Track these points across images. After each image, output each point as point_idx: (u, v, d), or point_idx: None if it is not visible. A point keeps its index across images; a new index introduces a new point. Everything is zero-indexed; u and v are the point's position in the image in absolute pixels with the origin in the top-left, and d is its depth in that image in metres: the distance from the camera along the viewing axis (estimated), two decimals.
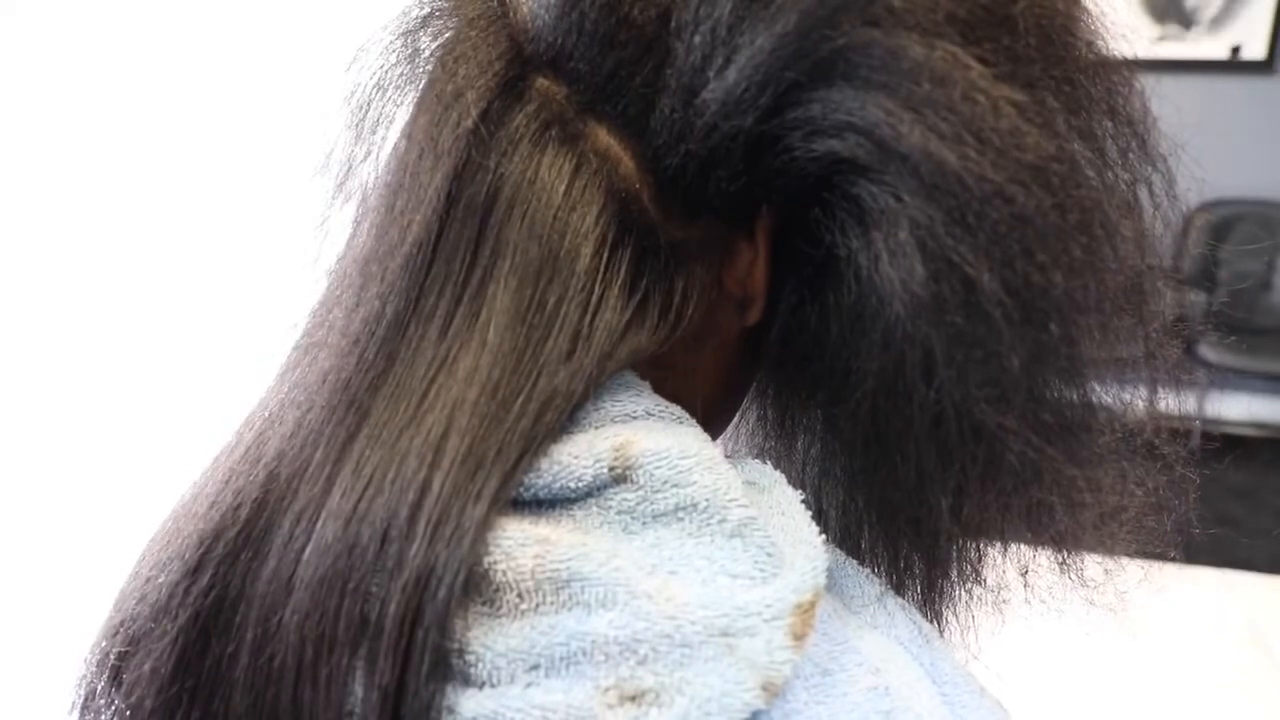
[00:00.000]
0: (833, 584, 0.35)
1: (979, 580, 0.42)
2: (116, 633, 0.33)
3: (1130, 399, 0.39)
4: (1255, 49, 2.99)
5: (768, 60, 0.31)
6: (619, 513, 0.30)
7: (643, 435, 0.31)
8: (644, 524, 0.30)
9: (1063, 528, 0.38)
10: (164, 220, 2.43)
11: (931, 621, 0.41)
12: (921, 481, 0.34)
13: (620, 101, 0.33)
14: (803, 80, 0.31)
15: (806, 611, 0.28)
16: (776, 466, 0.35)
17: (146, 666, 0.31)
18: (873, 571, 0.38)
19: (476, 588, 0.29)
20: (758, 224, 0.36)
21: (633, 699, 0.26)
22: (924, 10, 0.30)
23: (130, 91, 2.43)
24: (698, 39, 0.31)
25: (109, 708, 0.33)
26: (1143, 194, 0.37)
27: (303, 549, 0.29)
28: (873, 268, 0.31)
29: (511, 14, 0.35)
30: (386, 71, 0.37)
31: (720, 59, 0.31)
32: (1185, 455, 0.41)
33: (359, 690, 0.28)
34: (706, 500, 0.30)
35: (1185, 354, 0.41)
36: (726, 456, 0.33)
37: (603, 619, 0.27)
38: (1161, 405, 0.40)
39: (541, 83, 0.34)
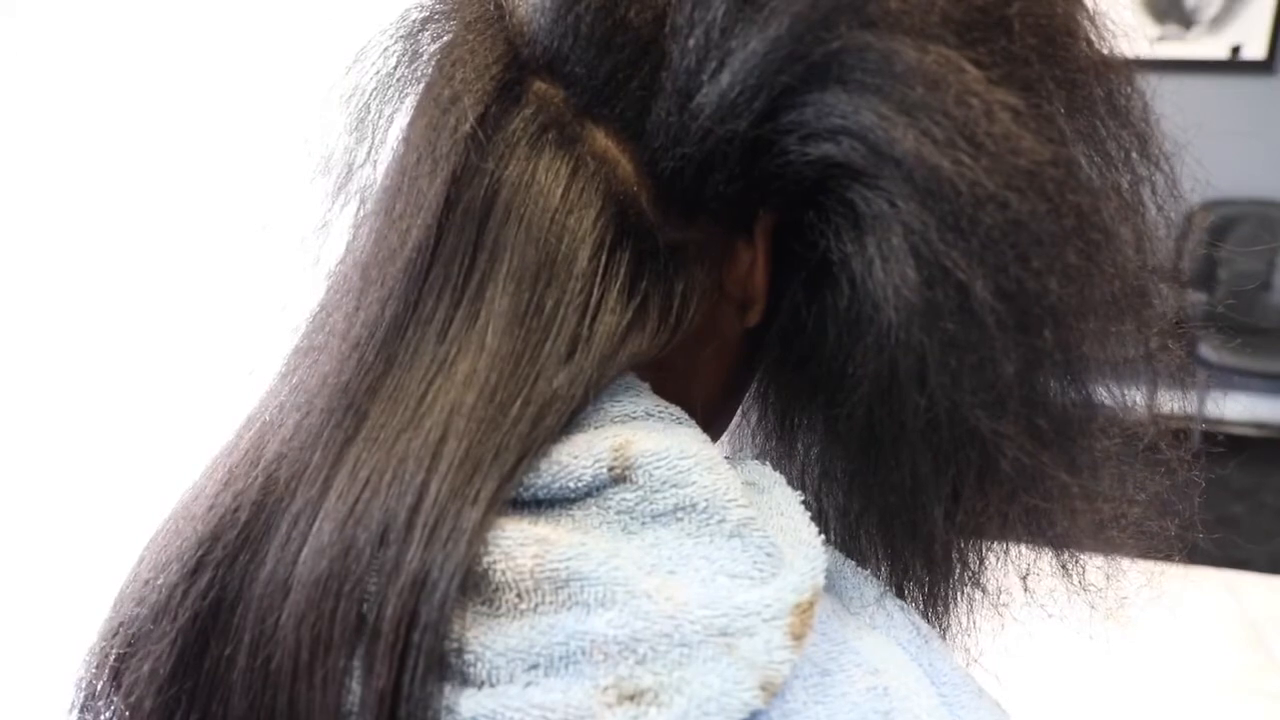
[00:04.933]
0: (832, 585, 0.35)
1: (978, 584, 0.42)
2: (116, 634, 0.33)
3: (1131, 402, 0.39)
4: (1255, 49, 2.99)
5: (761, 64, 0.31)
6: (618, 513, 0.30)
7: (642, 436, 0.31)
8: (643, 524, 0.30)
9: (1061, 531, 0.38)
10: (164, 222, 2.43)
11: (931, 624, 0.41)
12: (917, 486, 0.34)
13: (617, 104, 0.33)
14: (797, 84, 0.31)
15: (805, 612, 0.28)
16: (776, 468, 0.35)
17: (145, 668, 0.31)
18: (872, 574, 0.38)
19: (475, 587, 0.29)
20: (757, 226, 0.36)
21: (631, 698, 0.26)
22: (919, 13, 0.30)
23: (130, 92, 2.43)
24: (692, 42, 0.31)
25: (108, 708, 0.33)
26: (1144, 194, 0.37)
27: (299, 551, 0.29)
28: (866, 272, 0.31)
29: (508, 17, 0.35)
30: (386, 74, 0.38)
31: (714, 62, 0.31)
32: (1187, 458, 0.41)
33: (356, 691, 0.28)
34: (706, 500, 0.30)
35: (1186, 356, 0.41)
36: (726, 457, 0.33)
37: (602, 618, 0.27)
38: (1163, 408, 0.40)
39: (539, 86, 0.34)
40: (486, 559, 0.29)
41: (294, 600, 0.29)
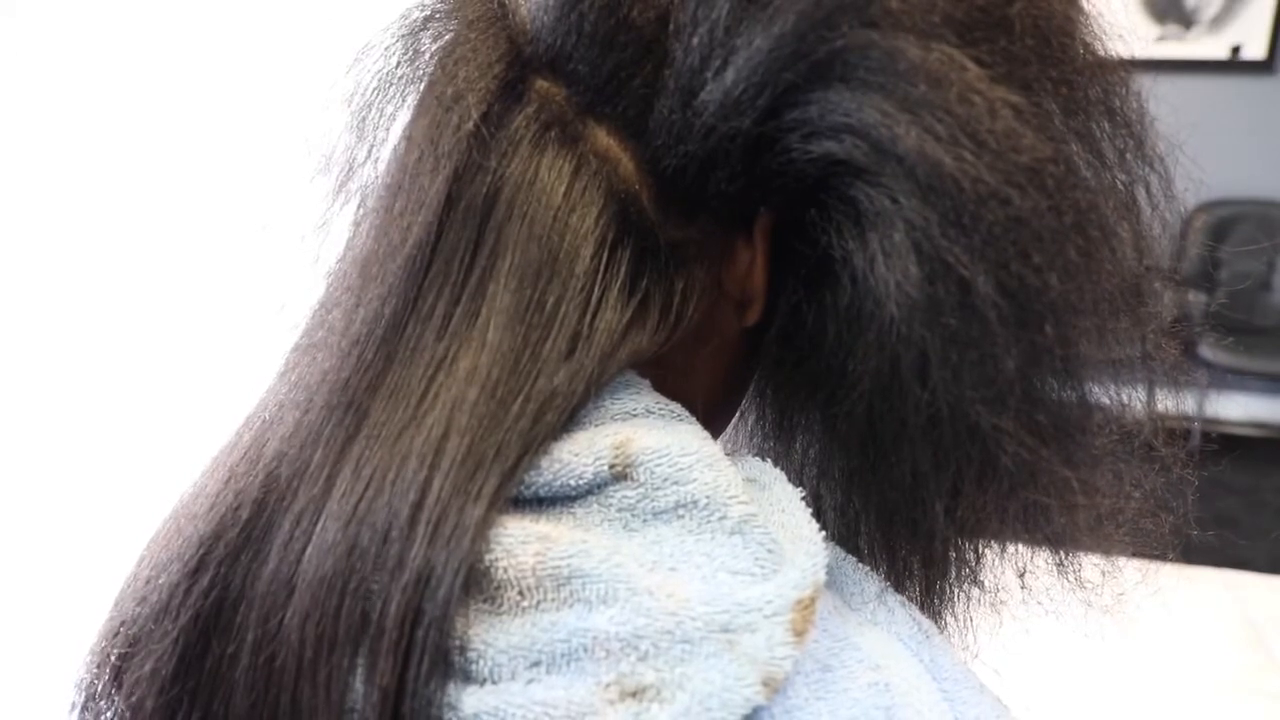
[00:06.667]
0: (832, 581, 0.35)
1: (977, 581, 0.42)
2: (117, 634, 0.33)
3: (1128, 400, 0.40)
4: (1255, 49, 2.99)
5: (765, 62, 0.31)
6: (619, 510, 0.30)
7: (643, 433, 0.31)
8: (644, 521, 0.30)
9: (1059, 528, 0.38)
10: (164, 220, 2.43)
11: (930, 620, 0.41)
12: (917, 482, 0.34)
13: (620, 103, 0.33)
14: (800, 82, 0.31)
15: (807, 608, 0.28)
16: (775, 466, 0.36)
17: (147, 667, 0.31)
18: (871, 570, 0.38)
19: (478, 585, 0.29)
20: (757, 225, 0.36)
21: (634, 695, 0.26)
22: (921, 12, 0.30)
23: (130, 91, 2.43)
24: (695, 40, 0.32)
25: (110, 708, 0.33)
26: (1140, 195, 0.37)
27: (303, 550, 0.29)
28: (868, 269, 0.31)
29: (511, 16, 0.36)
30: (388, 73, 0.38)
31: (718, 60, 0.31)
32: (1183, 456, 0.41)
33: (360, 689, 0.28)
34: (707, 497, 0.30)
35: (1184, 354, 0.41)
36: (726, 454, 0.33)
37: (604, 615, 0.27)
38: (1159, 406, 0.40)
39: (541, 84, 0.34)
40: (488, 556, 0.29)
41: (298, 599, 0.29)
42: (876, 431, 0.34)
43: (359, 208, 0.39)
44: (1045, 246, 0.30)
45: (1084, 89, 0.35)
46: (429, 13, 0.37)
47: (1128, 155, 0.36)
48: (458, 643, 0.28)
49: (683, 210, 0.34)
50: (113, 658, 0.33)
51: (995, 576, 0.43)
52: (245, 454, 0.34)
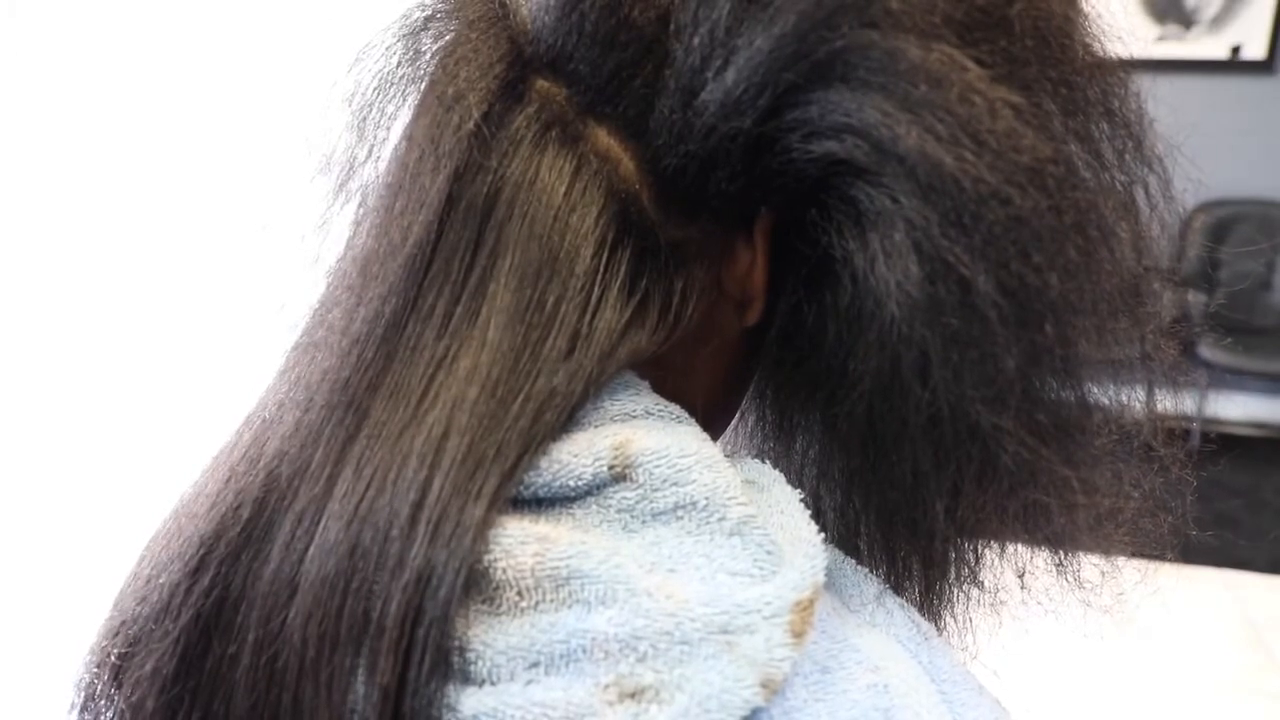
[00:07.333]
0: (831, 583, 0.35)
1: (976, 582, 0.42)
2: (117, 633, 0.33)
3: (1127, 400, 0.40)
4: (1255, 49, 2.99)
5: (766, 62, 0.31)
6: (619, 511, 0.30)
7: (642, 434, 0.31)
8: (643, 522, 0.30)
9: (1058, 528, 0.38)
10: (164, 220, 2.43)
11: (929, 621, 0.41)
12: (917, 482, 0.34)
13: (620, 103, 0.33)
14: (801, 82, 0.31)
15: (806, 609, 0.28)
16: (775, 467, 0.36)
17: (148, 667, 0.31)
18: (871, 572, 0.38)
19: (476, 585, 0.29)
20: (757, 225, 0.36)
21: (632, 696, 0.26)
22: (922, 12, 0.30)
23: (131, 92, 2.43)
24: (696, 40, 0.32)
25: (110, 708, 0.33)
26: (1139, 195, 0.37)
27: (305, 550, 0.29)
28: (869, 269, 0.31)
29: (512, 16, 0.36)
30: (388, 73, 0.38)
31: (719, 60, 0.31)
32: (1182, 456, 0.41)
33: (360, 689, 0.28)
34: (706, 499, 0.30)
35: (1183, 354, 0.41)
36: (726, 456, 0.33)
37: (602, 616, 0.27)
38: (1159, 406, 0.40)
39: (542, 84, 0.34)
40: (488, 557, 0.29)
41: (301, 599, 0.29)
42: (877, 431, 0.34)
43: (359, 207, 0.39)
44: (1045, 246, 0.30)
45: (1083, 90, 0.35)
46: (430, 13, 0.37)
47: (1126, 156, 0.36)
48: (457, 643, 0.28)
49: (683, 210, 0.34)
50: (113, 657, 0.33)
51: (995, 576, 0.43)
52: (245, 453, 0.34)
